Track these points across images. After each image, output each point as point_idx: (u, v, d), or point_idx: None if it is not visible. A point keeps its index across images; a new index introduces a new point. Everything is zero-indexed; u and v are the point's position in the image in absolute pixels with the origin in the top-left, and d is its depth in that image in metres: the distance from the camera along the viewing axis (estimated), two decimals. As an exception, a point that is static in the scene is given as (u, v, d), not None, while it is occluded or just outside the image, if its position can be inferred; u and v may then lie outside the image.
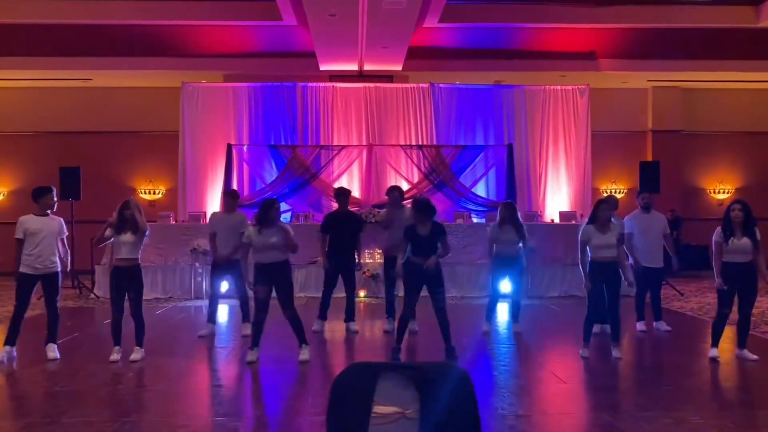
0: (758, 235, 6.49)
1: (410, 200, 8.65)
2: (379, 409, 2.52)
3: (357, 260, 8.14)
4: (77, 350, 7.29)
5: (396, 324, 7.11)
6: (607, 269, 6.69)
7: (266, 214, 6.52)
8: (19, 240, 6.62)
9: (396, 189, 8.32)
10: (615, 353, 6.78)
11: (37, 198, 6.74)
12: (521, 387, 5.96)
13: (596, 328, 8.01)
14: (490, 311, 8.18)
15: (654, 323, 8.25)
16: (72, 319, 9.28)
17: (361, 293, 11.12)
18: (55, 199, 6.81)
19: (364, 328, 8.68)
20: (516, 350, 7.46)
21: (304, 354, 6.67)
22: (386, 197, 8.41)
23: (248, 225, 7.97)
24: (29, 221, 6.68)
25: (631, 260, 8.00)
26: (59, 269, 6.81)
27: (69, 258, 6.95)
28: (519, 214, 8.02)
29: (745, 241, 6.42)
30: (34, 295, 6.81)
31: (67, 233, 6.90)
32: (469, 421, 2.61)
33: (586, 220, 8.04)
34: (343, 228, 7.94)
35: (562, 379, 6.17)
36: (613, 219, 6.98)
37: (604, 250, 6.66)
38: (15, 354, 6.74)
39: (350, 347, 7.68)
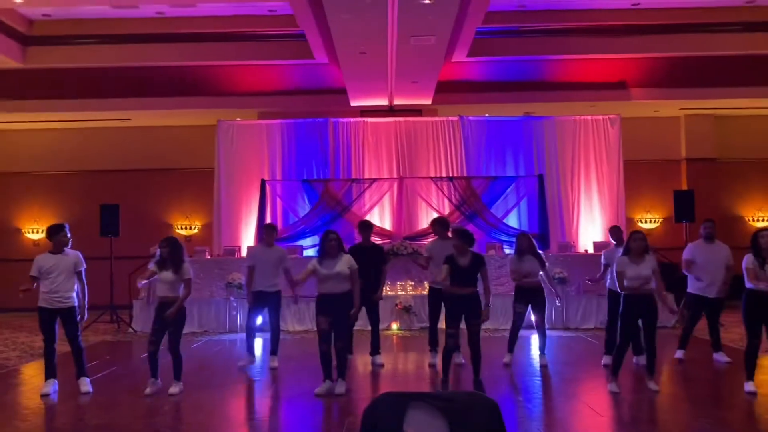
0: None
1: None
2: (409, 438, 2.55)
3: (379, 293, 8.12)
4: (115, 384, 7.43)
5: (440, 357, 7.13)
6: (642, 301, 6.58)
7: (323, 246, 6.70)
8: (33, 277, 6.77)
9: (437, 222, 8.35)
10: (652, 386, 6.64)
11: (51, 236, 6.88)
12: (556, 420, 5.89)
13: (606, 360, 7.93)
14: (512, 342, 8.07)
15: (714, 354, 8.09)
16: (110, 353, 9.47)
17: (394, 326, 11.12)
18: (69, 235, 6.91)
19: (398, 361, 8.67)
20: (551, 382, 7.38)
21: (341, 388, 6.69)
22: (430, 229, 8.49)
23: (288, 259, 8.15)
24: (43, 260, 6.81)
25: (690, 288, 8.00)
26: (76, 304, 6.87)
27: (87, 293, 6.96)
28: (536, 244, 8.09)
29: None
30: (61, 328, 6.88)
31: (84, 266, 6.94)
32: (499, 450, 2.62)
33: (614, 246, 8.03)
34: (367, 261, 7.85)
35: (598, 412, 6.08)
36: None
37: (637, 281, 6.58)
38: (56, 387, 6.90)
39: (384, 380, 7.67)
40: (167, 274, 6.76)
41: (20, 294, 6.64)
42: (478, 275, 6.78)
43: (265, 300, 8.04)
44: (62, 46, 12.79)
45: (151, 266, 6.93)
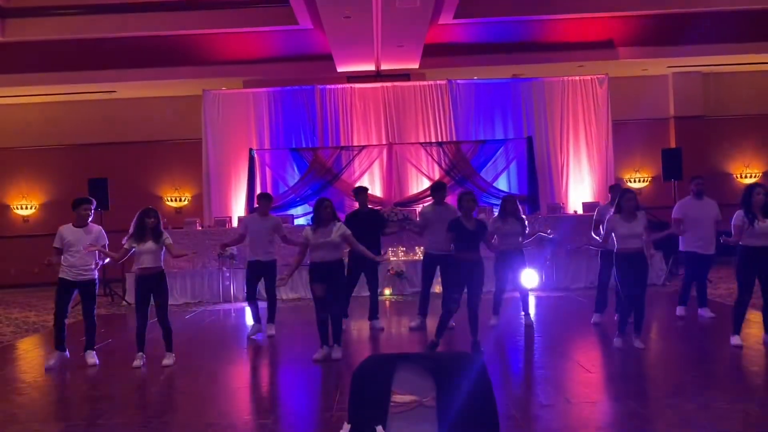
0: None
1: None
2: (397, 397, 2.61)
3: (380, 258, 8.06)
4: (112, 355, 7.49)
5: (438, 320, 7.13)
6: (635, 258, 6.69)
7: (318, 214, 6.68)
8: (56, 249, 6.84)
9: (436, 187, 8.29)
10: (637, 343, 6.73)
11: (73, 208, 6.96)
12: (546, 377, 6.00)
13: (596, 318, 8.05)
14: (497, 304, 8.14)
15: (699, 310, 8.20)
16: (105, 326, 9.52)
17: (387, 291, 11.21)
18: (89, 210, 6.94)
19: (391, 326, 8.77)
20: (541, 341, 7.49)
21: (337, 353, 6.77)
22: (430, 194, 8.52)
23: (283, 227, 8.21)
24: (66, 232, 6.87)
25: (682, 246, 8.04)
26: (96, 277, 6.97)
27: (102, 261, 7.06)
28: (520, 208, 8.06)
29: None
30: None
31: (107, 242, 7.01)
32: (486, 407, 2.69)
33: (608, 203, 8.06)
34: (365, 227, 7.89)
35: (587, 369, 6.19)
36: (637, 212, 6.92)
37: (630, 239, 6.67)
38: (68, 355, 6.98)
39: (378, 344, 7.77)
40: (150, 245, 6.75)
41: (45, 263, 6.76)
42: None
43: (261, 269, 8.08)
44: (42, 17, 12.56)
45: (126, 243, 6.84)
